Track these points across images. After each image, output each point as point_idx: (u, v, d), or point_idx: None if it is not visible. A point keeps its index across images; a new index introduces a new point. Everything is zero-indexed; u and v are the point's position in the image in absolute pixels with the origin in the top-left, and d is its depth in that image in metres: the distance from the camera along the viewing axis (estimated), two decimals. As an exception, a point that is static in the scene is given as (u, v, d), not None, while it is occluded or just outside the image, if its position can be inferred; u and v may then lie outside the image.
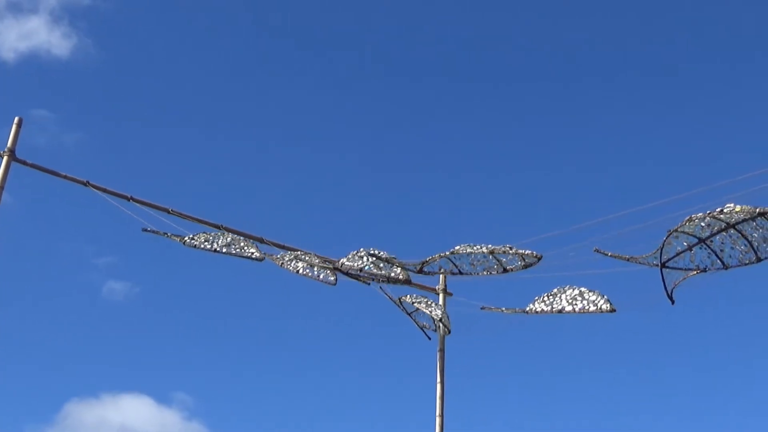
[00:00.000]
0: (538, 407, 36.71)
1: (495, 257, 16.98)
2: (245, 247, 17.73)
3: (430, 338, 18.35)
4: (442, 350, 18.14)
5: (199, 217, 18.26)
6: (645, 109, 44.13)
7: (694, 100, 43.87)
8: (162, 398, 39.23)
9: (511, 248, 16.89)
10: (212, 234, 17.98)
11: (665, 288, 16.24)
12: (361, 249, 17.65)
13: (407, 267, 17.66)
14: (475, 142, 44.78)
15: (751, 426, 35.00)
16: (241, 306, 39.79)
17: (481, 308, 17.99)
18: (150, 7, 43.57)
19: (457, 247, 17.20)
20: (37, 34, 39.45)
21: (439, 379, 17.94)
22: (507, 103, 45.21)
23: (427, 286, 18.58)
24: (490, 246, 16.96)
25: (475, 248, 17.02)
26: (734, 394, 36.68)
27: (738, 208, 15.59)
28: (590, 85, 44.97)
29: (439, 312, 17.90)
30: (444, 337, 18.15)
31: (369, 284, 17.56)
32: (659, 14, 44.29)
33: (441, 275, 18.51)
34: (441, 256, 17.36)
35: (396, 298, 18.16)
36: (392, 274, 17.42)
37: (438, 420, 17.56)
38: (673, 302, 16.31)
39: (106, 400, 38.32)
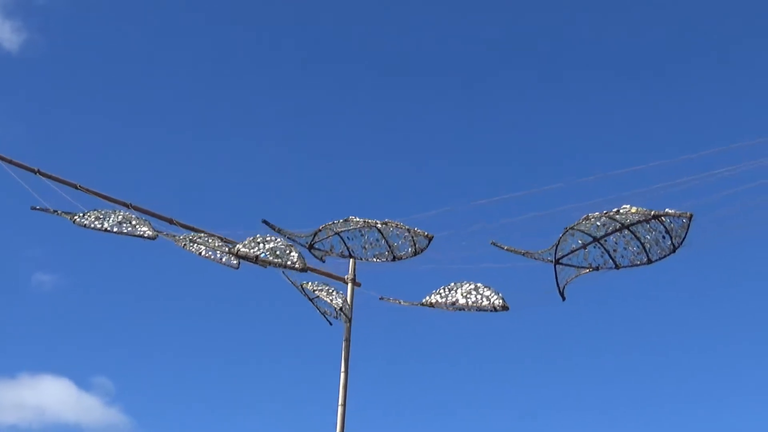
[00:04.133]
0: (439, 397, 37.05)
1: (386, 240, 16.88)
2: (137, 226, 17.32)
3: (331, 324, 18.19)
4: (347, 339, 17.94)
5: (107, 194, 17.88)
6: (551, 101, 43.85)
7: (598, 93, 43.53)
8: (82, 382, 39.07)
9: (403, 225, 16.70)
10: (103, 212, 17.50)
11: (557, 284, 16.31)
12: (258, 235, 17.56)
13: (299, 239, 17.27)
14: (374, 130, 44.13)
15: (642, 419, 35.68)
16: (155, 289, 39.47)
17: (380, 299, 17.92)
18: (104, 7, 43.92)
19: (351, 217, 16.92)
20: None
21: (343, 368, 17.79)
22: (406, 91, 44.52)
23: (336, 275, 18.35)
24: (383, 220, 16.76)
25: (368, 221, 16.76)
26: (624, 390, 37.20)
27: (633, 209, 15.55)
28: (494, 75, 44.41)
29: (339, 300, 17.67)
30: (350, 326, 17.94)
31: (266, 267, 17.47)
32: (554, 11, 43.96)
33: (351, 261, 18.42)
34: (334, 227, 16.99)
35: (299, 284, 17.95)
36: (288, 263, 17.07)
37: (340, 409, 17.45)
38: (564, 298, 16.39)
39: (23, 380, 37.68)
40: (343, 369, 17.87)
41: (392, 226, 16.91)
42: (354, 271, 18.57)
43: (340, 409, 17.56)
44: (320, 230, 17.25)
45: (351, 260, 18.30)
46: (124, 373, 37.56)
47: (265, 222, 17.30)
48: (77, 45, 43.83)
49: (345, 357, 17.95)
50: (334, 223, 17.09)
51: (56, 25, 43.63)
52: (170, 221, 18.26)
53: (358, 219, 17.04)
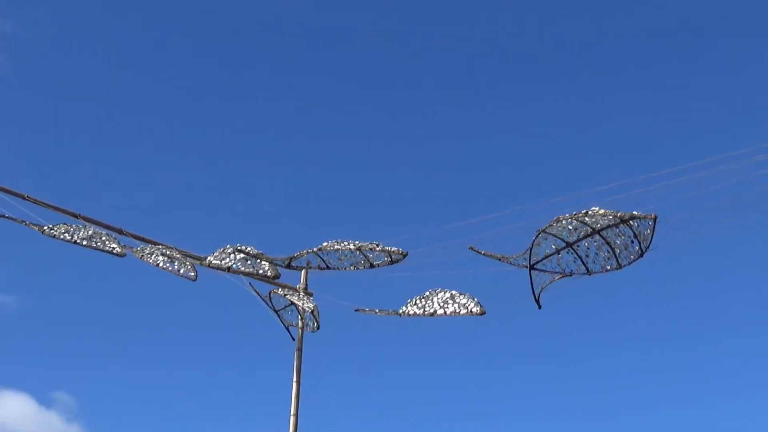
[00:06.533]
0: (401, 407, 37.19)
1: (362, 253, 17.01)
2: (107, 242, 17.29)
3: (294, 339, 18.10)
4: (300, 349, 17.90)
5: (56, 205, 17.72)
6: (523, 112, 45.77)
7: (570, 104, 45.69)
8: (42, 398, 38.11)
9: (378, 245, 16.96)
10: (73, 225, 17.46)
11: (533, 291, 16.61)
12: (228, 246, 17.45)
13: (276, 262, 17.47)
14: (350, 141, 45.49)
15: (618, 422, 36.29)
16: (115, 305, 39.46)
17: (356, 310, 17.89)
18: (68, 35, 45.05)
19: (325, 244, 17.18)
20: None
21: (295, 378, 17.62)
22: (382, 104, 46.24)
23: (290, 285, 18.33)
24: (357, 242, 17.00)
25: (342, 245, 17.04)
26: (600, 393, 37.92)
27: (602, 211, 16.20)
28: (465, 89, 46.42)
29: (311, 304, 17.60)
30: (303, 335, 17.92)
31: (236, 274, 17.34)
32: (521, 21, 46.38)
33: (303, 272, 18.33)
34: (309, 252, 17.24)
35: (266, 293, 17.93)
36: (260, 271, 17.22)
37: (292, 419, 17.21)
38: (539, 306, 16.66)
39: (-20, 394, 35.90)
40: (295, 379, 17.74)
41: (366, 249, 17.02)
42: (306, 281, 18.48)
43: (292, 419, 17.36)
44: (295, 256, 17.54)
45: (303, 271, 18.24)
46: (85, 389, 37.47)
47: (238, 249, 17.28)
48: (35, 64, 44.31)
49: (297, 367, 17.87)
50: (308, 251, 17.33)
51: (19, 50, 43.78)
52: (120, 231, 18.22)
53: (332, 243, 17.26)
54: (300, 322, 18.01)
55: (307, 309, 17.47)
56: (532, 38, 46.44)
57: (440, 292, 17.25)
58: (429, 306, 17.07)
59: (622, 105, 45.24)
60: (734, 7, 44.14)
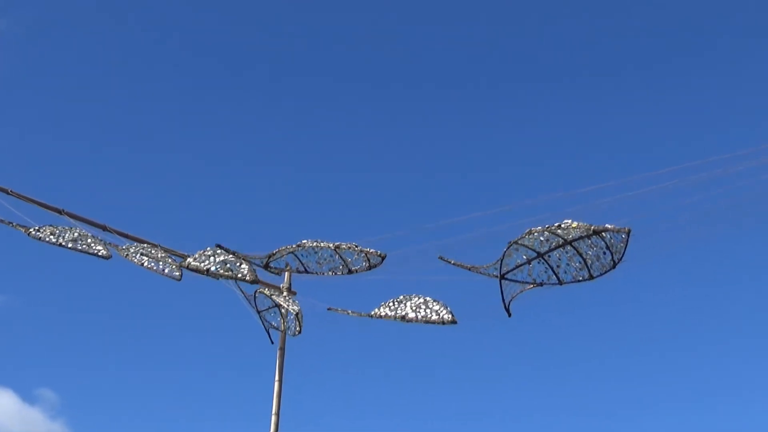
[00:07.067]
0: (380, 409, 37.50)
1: (341, 256, 17.20)
2: (92, 244, 17.46)
3: (273, 342, 18.23)
4: (282, 348, 18.00)
5: (39, 200, 17.95)
6: (521, 112, 45.32)
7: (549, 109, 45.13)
8: (26, 395, 38.48)
9: (356, 246, 17.12)
10: (58, 227, 17.69)
11: (503, 300, 16.72)
12: (208, 248, 17.66)
13: (254, 261, 17.64)
14: (325, 141, 45.39)
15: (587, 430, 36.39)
16: (100, 303, 39.70)
17: (328, 309, 18.02)
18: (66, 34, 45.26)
19: (304, 241, 17.31)
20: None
21: (277, 377, 17.76)
22: (358, 105, 45.95)
23: (273, 284, 18.46)
24: (336, 242, 17.17)
25: (321, 243, 17.21)
26: (570, 401, 38.15)
27: (575, 224, 16.14)
28: (441, 90, 45.95)
29: (296, 307, 17.72)
30: (285, 335, 18.05)
31: (218, 279, 17.60)
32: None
33: (287, 273, 18.49)
34: (287, 250, 17.39)
35: (251, 294, 18.08)
36: (239, 275, 17.29)
37: (273, 418, 17.40)
38: (509, 315, 16.78)
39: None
40: (277, 378, 17.85)
41: (345, 248, 17.26)
42: (290, 281, 18.65)
43: (273, 419, 17.53)
44: (274, 253, 17.71)
45: (287, 272, 18.46)
46: (68, 386, 37.64)
47: (219, 246, 17.51)
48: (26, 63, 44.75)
49: (279, 366, 17.97)
50: (287, 247, 17.53)
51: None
52: (104, 228, 18.42)
53: (310, 242, 17.44)
54: (283, 323, 18.13)
55: (292, 311, 17.59)
56: (530, 38, 45.75)
57: (414, 297, 17.38)
58: (401, 309, 17.24)
59: (619, 105, 44.69)
60: (734, 7, 43.00)
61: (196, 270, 17.25)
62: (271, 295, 17.98)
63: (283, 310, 17.97)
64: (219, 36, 46.13)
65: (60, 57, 45.06)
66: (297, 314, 17.77)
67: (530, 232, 16.21)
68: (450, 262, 16.72)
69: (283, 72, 45.96)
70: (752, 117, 41.35)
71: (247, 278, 17.14)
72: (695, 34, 44.14)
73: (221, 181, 43.73)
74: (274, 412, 17.49)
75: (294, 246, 17.46)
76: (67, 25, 45.48)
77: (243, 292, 18.01)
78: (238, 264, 17.32)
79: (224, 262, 17.30)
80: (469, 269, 16.82)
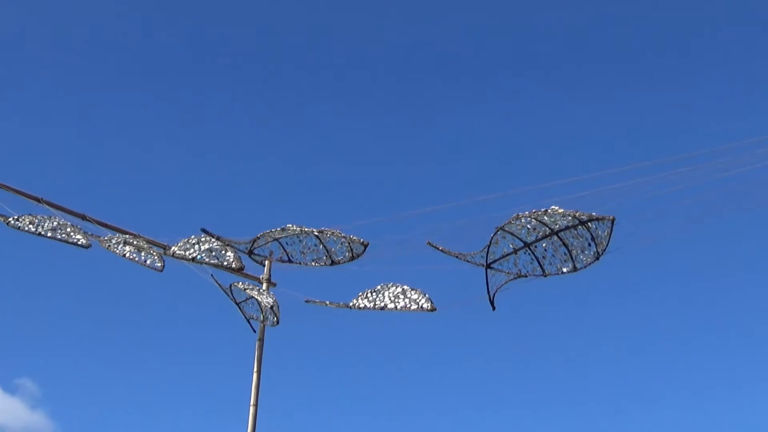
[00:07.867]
0: (358, 400, 37.18)
1: (324, 245, 16.99)
2: (72, 233, 17.49)
3: (255, 331, 17.89)
4: (261, 340, 17.70)
5: (18, 189, 17.83)
6: (512, 105, 45.40)
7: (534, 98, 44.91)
8: (6, 385, 38.06)
9: (339, 233, 16.94)
10: (38, 216, 17.68)
11: (488, 291, 16.32)
12: (193, 236, 17.52)
13: (238, 247, 17.50)
14: (308, 130, 45.46)
15: (570, 421, 36.15)
16: (82, 293, 39.63)
17: (306, 301, 17.74)
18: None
19: (288, 225, 17.12)
20: None
21: (256, 369, 17.44)
22: (343, 94, 46.24)
23: (252, 275, 18.24)
24: (319, 228, 17.01)
25: (305, 229, 17.01)
26: (551, 392, 37.67)
27: (560, 210, 15.84)
28: (426, 80, 46.17)
29: (270, 300, 17.51)
30: (264, 326, 17.75)
31: (201, 264, 17.42)
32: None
33: (267, 263, 18.24)
34: (272, 235, 17.24)
35: (227, 286, 17.83)
36: (224, 263, 17.25)
37: (252, 409, 17.02)
38: (494, 308, 16.35)
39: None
40: (255, 369, 17.58)
41: (329, 234, 17.10)
42: (269, 271, 18.39)
43: (251, 409, 17.19)
44: (258, 238, 17.56)
45: (267, 261, 18.17)
46: (49, 376, 37.33)
47: (203, 230, 17.39)
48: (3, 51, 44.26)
49: (258, 357, 17.70)
50: (271, 231, 17.37)
51: None
52: (83, 217, 18.28)
53: (295, 227, 17.30)
54: (261, 315, 17.90)
55: (266, 304, 17.37)
56: (518, 28, 46.18)
57: (392, 286, 17.05)
58: (380, 300, 16.90)
59: (607, 96, 44.99)
60: (734, 6, 43.29)
61: (182, 258, 17.14)
62: (245, 288, 17.71)
63: (259, 303, 17.64)
64: (200, 27, 46.62)
65: (39, 46, 45.06)
66: (272, 306, 17.50)
67: (517, 217, 15.94)
68: (438, 249, 16.36)
69: (264, 62, 46.19)
70: (741, 110, 41.48)
71: (233, 266, 17.12)
72: (684, 26, 44.39)
73: (202, 171, 44.10)
74: (252, 402, 17.18)
75: (279, 230, 17.28)
76: (50, 16, 45.21)
77: (219, 285, 17.84)
78: (222, 252, 17.26)
79: (209, 250, 17.24)
80: (456, 257, 16.46)
